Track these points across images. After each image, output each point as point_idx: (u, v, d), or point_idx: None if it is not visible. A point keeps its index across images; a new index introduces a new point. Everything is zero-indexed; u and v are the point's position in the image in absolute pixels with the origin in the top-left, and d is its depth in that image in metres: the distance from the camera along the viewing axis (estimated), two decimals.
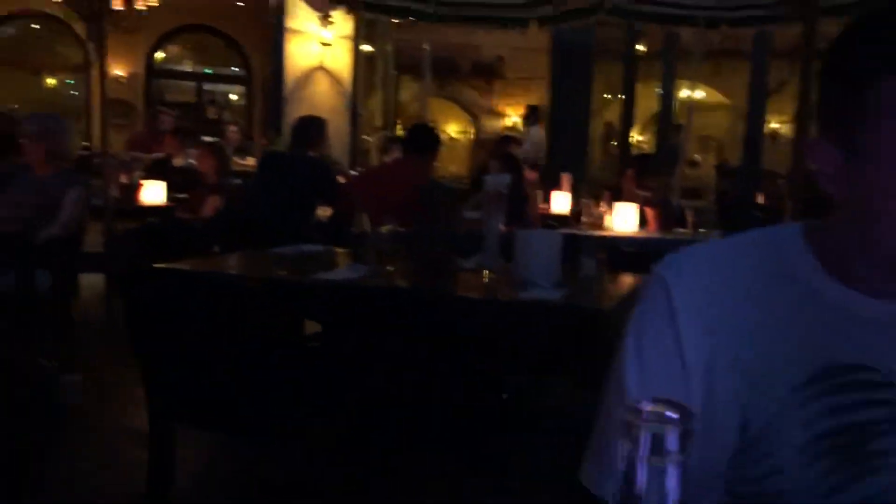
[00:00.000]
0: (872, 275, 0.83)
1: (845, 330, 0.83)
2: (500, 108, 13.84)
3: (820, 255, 0.87)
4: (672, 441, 0.45)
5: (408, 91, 12.47)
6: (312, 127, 4.48)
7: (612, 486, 0.88)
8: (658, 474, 0.46)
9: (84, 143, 9.71)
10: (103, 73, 4.92)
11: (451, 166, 12.37)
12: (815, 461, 0.82)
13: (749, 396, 0.84)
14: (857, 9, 4.30)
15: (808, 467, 0.82)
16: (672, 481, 0.46)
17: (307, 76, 8.75)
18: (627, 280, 2.80)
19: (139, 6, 10.39)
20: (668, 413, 0.45)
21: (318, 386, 2.55)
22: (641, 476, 0.46)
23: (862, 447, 0.81)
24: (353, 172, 6.23)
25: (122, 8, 10.25)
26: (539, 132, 8.97)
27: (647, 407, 0.46)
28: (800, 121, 4.06)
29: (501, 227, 2.93)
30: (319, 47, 8.90)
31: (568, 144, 7.67)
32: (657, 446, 0.45)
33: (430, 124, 6.14)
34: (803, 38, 3.76)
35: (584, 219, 4.68)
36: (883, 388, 0.82)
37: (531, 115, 9.36)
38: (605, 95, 12.73)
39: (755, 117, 9.14)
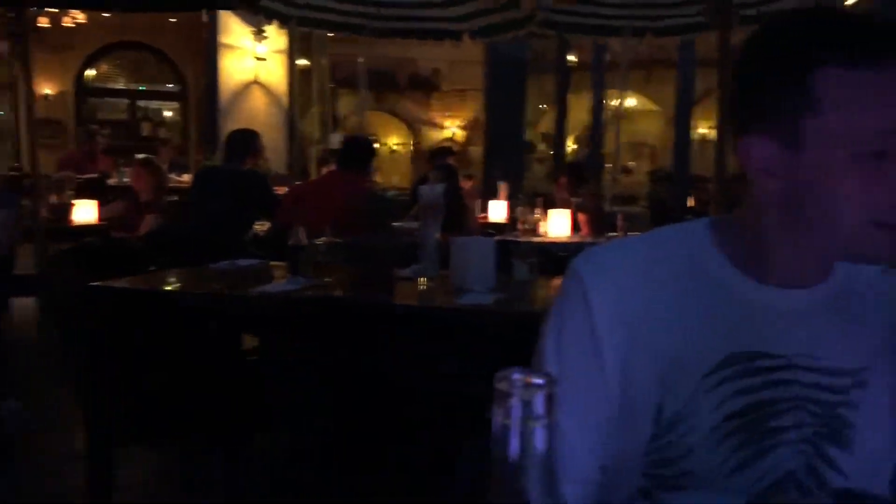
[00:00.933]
0: (787, 265, 0.88)
1: (749, 318, 0.89)
2: (439, 119, 13.96)
3: (727, 249, 0.91)
4: (539, 405, 0.49)
5: (346, 104, 12.48)
6: (245, 140, 4.45)
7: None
8: (529, 437, 0.48)
9: (13, 164, 9.44)
10: (30, 93, 4.82)
11: (394, 178, 12.41)
12: (723, 441, 0.87)
13: (663, 384, 0.88)
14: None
15: (716, 447, 0.87)
16: (541, 443, 0.49)
17: (242, 91, 8.70)
18: (560, 283, 2.88)
19: (66, 23, 10.20)
20: (536, 379, 0.50)
21: (258, 400, 2.56)
22: (514, 440, 0.49)
23: (764, 425, 0.87)
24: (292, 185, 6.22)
25: (48, 26, 10.05)
26: None
27: (517, 375, 0.50)
28: (721, 126, 4.23)
29: (438, 235, 2.98)
30: (254, 62, 8.85)
31: (504, 154, 7.80)
32: (527, 411, 0.49)
33: (369, 137, 6.18)
34: (719, 47, 3.92)
35: (519, 226, 4.78)
36: (783, 370, 0.87)
37: None
38: (541, 106, 12.94)
39: (682, 124, 9.43)
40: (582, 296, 0.91)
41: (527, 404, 0.49)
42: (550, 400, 0.49)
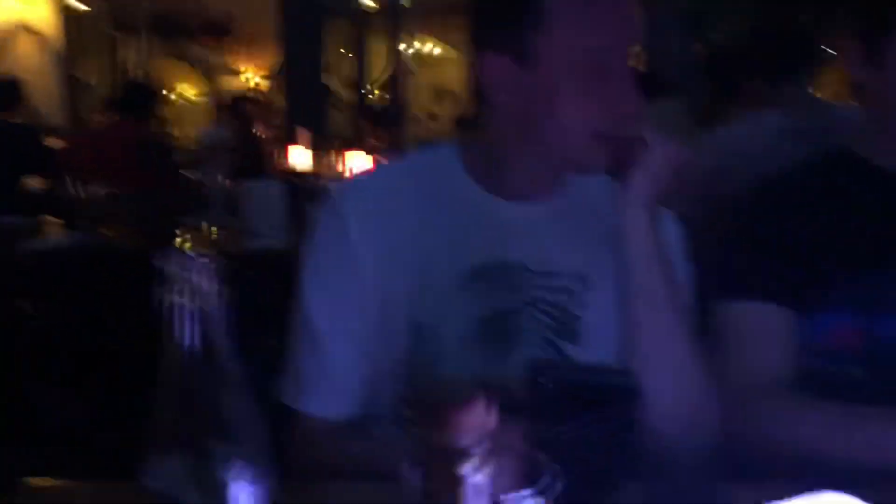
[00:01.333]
0: (521, 179, 0.95)
1: (489, 231, 0.96)
2: (237, 66, 13.36)
3: (470, 167, 0.98)
4: (206, 283, 0.51)
5: (130, 51, 11.60)
6: (7, 90, 4.08)
7: (314, 402, 0.95)
8: (193, 314, 0.52)
9: None
10: None
11: (188, 128, 11.79)
12: (472, 344, 0.94)
13: (416, 296, 0.94)
14: None
15: (467, 350, 0.94)
16: (211, 322, 0.52)
17: (5, 37, 7.84)
18: None
19: None
20: (198, 258, 0.51)
21: (43, 369, 2.39)
22: (186, 321, 0.52)
23: (506, 328, 0.94)
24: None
25: None
26: None
27: (180, 254, 0.51)
28: None
29: (227, 182, 2.90)
30: (18, 4, 7.99)
31: (305, 101, 7.64)
32: (194, 289, 0.51)
33: (152, 83, 5.84)
34: None
35: (318, 171, 4.77)
36: (520, 276, 0.95)
37: None
38: (342, 51, 12.73)
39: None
40: (338, 218, 0.96)
41: (196, 283, 0.51)
42: (217, 274, 0.51)
